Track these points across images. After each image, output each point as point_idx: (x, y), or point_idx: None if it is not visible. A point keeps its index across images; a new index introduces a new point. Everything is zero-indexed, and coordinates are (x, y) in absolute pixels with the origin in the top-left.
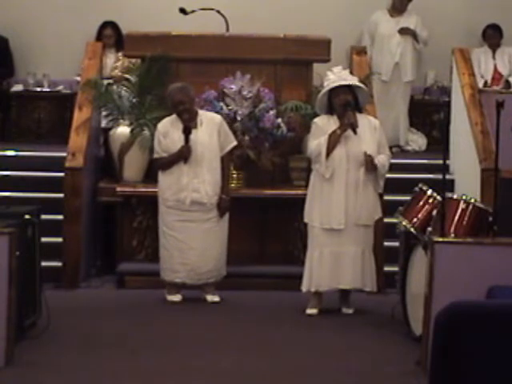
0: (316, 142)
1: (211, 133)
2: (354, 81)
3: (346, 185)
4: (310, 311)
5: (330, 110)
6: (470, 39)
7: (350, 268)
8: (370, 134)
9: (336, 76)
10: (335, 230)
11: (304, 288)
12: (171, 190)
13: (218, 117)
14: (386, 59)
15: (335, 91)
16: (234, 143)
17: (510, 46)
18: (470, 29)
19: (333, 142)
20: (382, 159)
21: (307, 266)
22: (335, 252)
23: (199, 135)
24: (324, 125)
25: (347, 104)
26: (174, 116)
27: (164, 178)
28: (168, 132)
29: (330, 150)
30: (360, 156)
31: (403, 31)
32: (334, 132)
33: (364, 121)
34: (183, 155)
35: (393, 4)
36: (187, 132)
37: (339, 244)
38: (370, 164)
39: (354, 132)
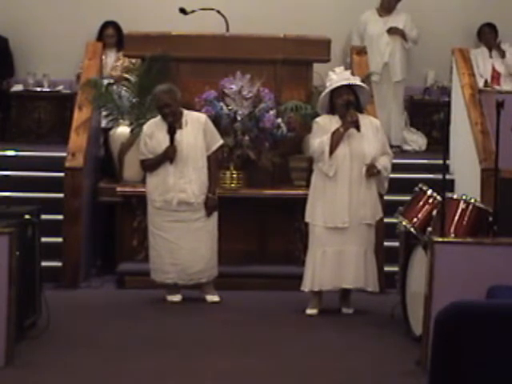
0: (318, 141)
1: (196, 133)
2: (356, 81)
3: (349, 183)
4: (310, 311)
5: (332, 110)
6: (471, 39)
7: (352, 267)
8: (372, 134)
9: (338, 76)
10: (338, 229)
11: (306, 288)
12: (158, 191)
13: (203, 116)
14: (376, 59)
15: (337, 91)
16: (220, 142)
17: (505, 42)
18: (471, 29)
19: (336, 140)
20: (384, 161)
21: (309, 265)
22: (338, 251)
23: (184, 135)
24: (326, 124)
25: (349, 104)
26: (159, 117)
27: (151, 180)
28: (153, 133)
29: (333, 148)
30: (363, 154)
31: (392, 31)
32: (337, 130)
33: (365, 121)
34: (168, 156)
35: (381, 3)
36: (172, 132)
37: (342, 243)
38: (372, 173)
39: (358, 129)
